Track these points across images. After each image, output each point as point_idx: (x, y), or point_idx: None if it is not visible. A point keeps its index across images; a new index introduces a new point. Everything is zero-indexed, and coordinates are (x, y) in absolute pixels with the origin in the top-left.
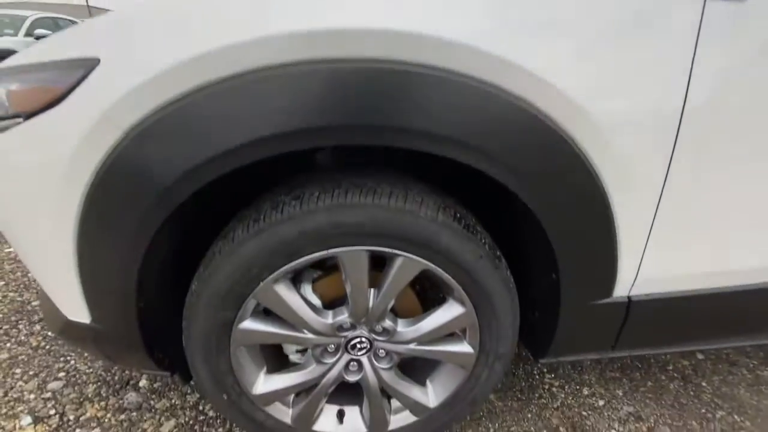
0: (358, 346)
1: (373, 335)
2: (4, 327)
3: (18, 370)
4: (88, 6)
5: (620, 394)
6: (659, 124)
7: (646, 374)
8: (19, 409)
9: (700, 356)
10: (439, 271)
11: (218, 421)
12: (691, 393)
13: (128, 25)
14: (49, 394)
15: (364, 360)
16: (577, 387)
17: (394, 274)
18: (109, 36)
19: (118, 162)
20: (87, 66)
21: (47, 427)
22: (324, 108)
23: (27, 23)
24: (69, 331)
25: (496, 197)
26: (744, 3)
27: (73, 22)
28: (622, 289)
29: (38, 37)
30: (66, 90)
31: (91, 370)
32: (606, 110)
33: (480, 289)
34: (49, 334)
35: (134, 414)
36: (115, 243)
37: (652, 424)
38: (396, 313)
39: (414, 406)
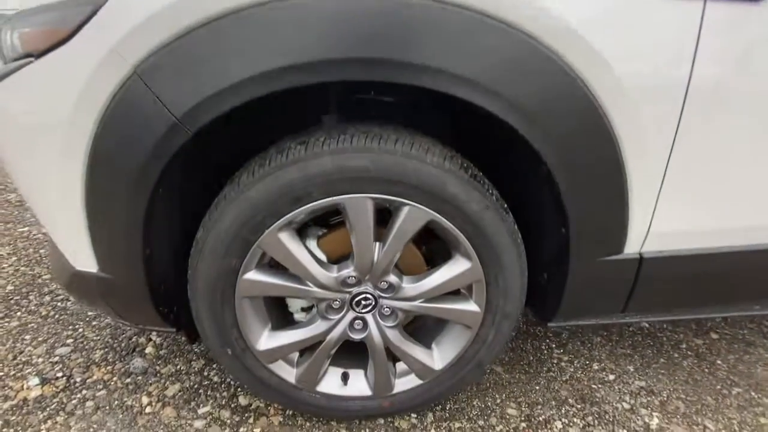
0: (363, 303)
1: (378, 292)
2: (15, 298)
3: (27, 337)
4: None
5: (631, 369)
6: (671, 74)
7: (658, 352)
8: (28, 371)
9: (714, 336)
10: (445, 222)
11: (222, 385)
12: (706, 370)
13: None
14: (56, 358)
15: (369, 318)
16: (587, 362)
17: (399, 226)
18: None
19: (126, 98)
20: (95, 3)
21: (54, 388)
22: (338, 39)
23: None
24: (76, 282)
25: (505, 153)
26: None
27: None
28: (633, 246)
29: None
30: (75, 28)
31: (98, 337)
32: (623, 59)
33: (486, 242)
34: (59, 304)
35: (140, 378)
36: (121, 184)
37: (665, 398)
38: (401, 272)
39: (419, 369)
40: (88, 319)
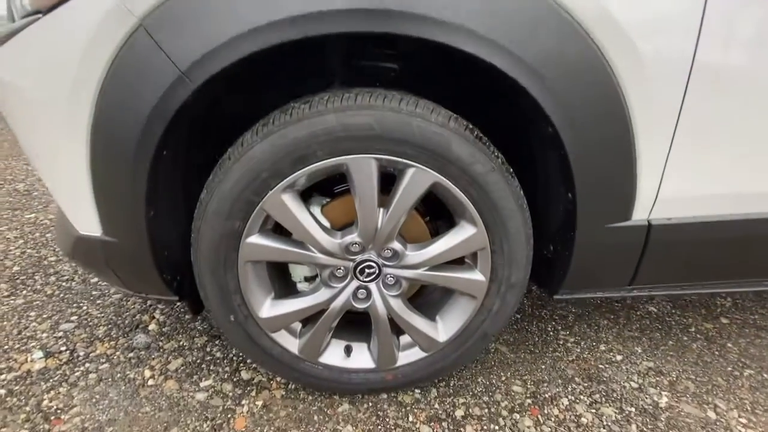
0: (367, 271)
1: (382, 260)
2: (21, 278)
3: (32, 314)
4: None
5: (639, 351)
6: (680, 34)
7: (666, 335)
8: (32, 345)
9: (724, 320)
10: (450, 184)
11: (225, 361)
12: (716, 353)
13: None
14: (60, 334)
15: (373, 287)
16: (594, 343)
17: (403, 189)
18: None
19: (131, 51)
20: None
21: (58, 361)
22: None
23: None
24: (81, 247)
25: (510, 118)
26: None
27: None
28: (641, 212)
29: None
30: None
31: (102, 315)
32: (633, 21)
33: (491, 206)
34: (64, 284)
35: (143, 353)
36: (126, 141)
37: (675, 379)
38: (405, 241)
39: (423, 340)
40: (92, 298)
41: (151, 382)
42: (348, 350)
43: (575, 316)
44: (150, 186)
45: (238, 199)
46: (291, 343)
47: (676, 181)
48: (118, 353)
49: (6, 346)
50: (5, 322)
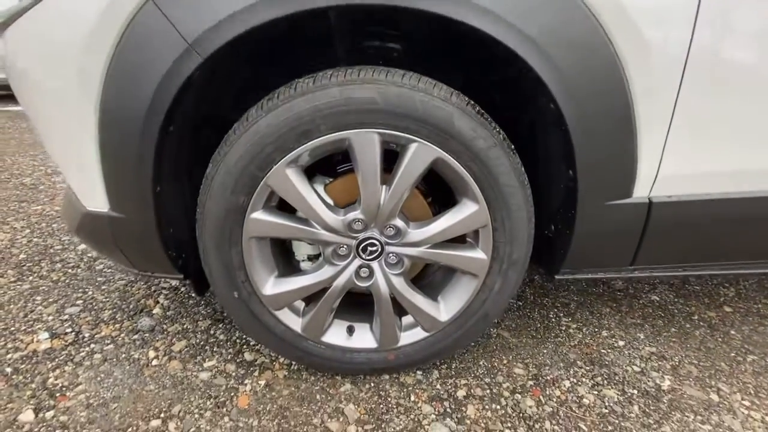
0: (369, 249)
1: (385, 238)
2: (28, 264)
3: (38, 298)
4: None
5: (641, 337)
6: (679, 17)
7: (669, 322)
8: (38, 327)
9: (727, 309)
10: (452, 160)
11: (228, 343)
12: (719, 339)
13: None
14: (66, 316)
15: (375, 265)
16: (596, 329)
17: (406, 164)
18: None
19: (141, 23)
20: None
21: (63, 342)
22: None
23: None
24: (88, 224)
25: (512, 95)
26: None
27: None
28: (642, 189)
29: None
30: None
31: (107, 299)
32: (637, 4)
33: (493, 182)
34: (69, 271)
35: (147, 335)
36: (134, 114)
37: (677, 363)
38: (407, 219)
39: (425, 320)
40: (97, 283)
41: (155, 362)
42: (350, 330)
43: (577, 303)
44: (157, 161)
45: (243, 173)
46: (294, 322)
47: (677, 158)
48: (122, 335)
49: (12, 328)
50: (12, 306)
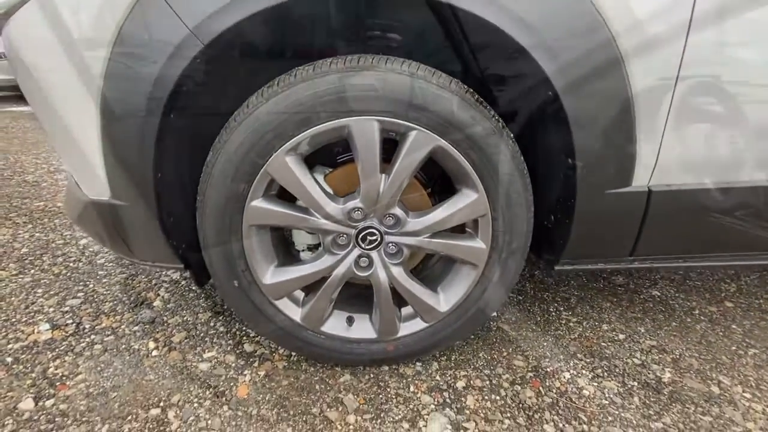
0: (369, 238)
1: (384, 227)
2: (29, 258)
3: (40, 290)
4: None
5: (642, 330)
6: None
7: (670, 316)
8: (39, 318)
9: (728, 304)
10: (451, 148)
11: (228, 334)
12: (720, 333)
13: None
14: (67, 308)
15: (375, 255)
16: (596, 323)
17: (405, 152)
18: None
19: (143, 9)
20: None
21: (64, 333)
22: None
23: None
24: (89, 213)
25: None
26: None
27: None
28: (641, 178)
29: None
30: None
31: (108, 292)
32: None
33: (492, 170)
34: (71, 264)
35: (147, 326)
36: (136, 99)
37: (678, 356)
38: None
39: (424, 310)
40: (98, 277)
41: (155, 353)
42: (350, 320)
43: (578, 298)
44: (158, 148)
45: (243, 161)
46: (294, 312)
47: (676, 147)
48: (123, 327)
49: (14, 319)
50: (13, 298)
